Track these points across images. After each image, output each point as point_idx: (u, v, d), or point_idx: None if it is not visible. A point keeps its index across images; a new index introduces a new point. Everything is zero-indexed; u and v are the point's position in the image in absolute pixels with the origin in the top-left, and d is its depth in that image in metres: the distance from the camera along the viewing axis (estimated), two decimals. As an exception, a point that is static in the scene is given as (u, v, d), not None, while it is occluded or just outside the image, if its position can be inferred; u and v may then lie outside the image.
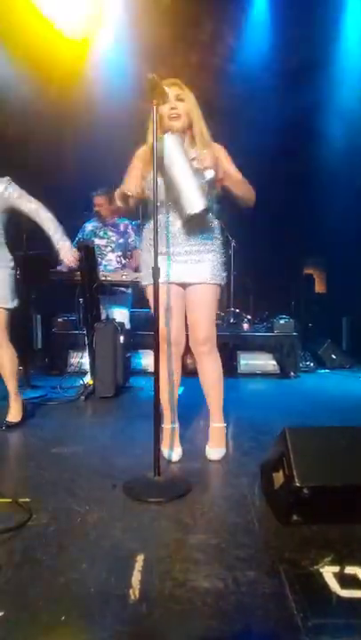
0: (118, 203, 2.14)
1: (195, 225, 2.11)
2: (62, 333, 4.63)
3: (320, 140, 6.00)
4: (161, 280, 1.94)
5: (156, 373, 1.95)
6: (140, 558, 1.39)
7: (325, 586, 1.27)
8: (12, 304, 2.70)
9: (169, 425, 2.31)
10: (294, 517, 1.55)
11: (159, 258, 1.92)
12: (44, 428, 2.78)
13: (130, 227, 4.21)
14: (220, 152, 2.19)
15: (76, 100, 5.60)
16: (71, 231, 4.42)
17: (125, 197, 2.06)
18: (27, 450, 2.36)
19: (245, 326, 5.23)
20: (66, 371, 4.41)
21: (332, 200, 5.96)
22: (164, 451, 2.22)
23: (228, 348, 4.78)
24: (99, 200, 4.11)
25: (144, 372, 4.52)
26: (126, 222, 4.22)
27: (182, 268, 2.18)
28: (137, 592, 1.23)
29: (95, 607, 1.17)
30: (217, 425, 2.33)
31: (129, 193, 2.02)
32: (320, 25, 5.83)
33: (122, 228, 4.21)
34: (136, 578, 1.30)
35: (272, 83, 5.94)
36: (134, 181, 2.04)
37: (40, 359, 4.87)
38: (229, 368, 4.75)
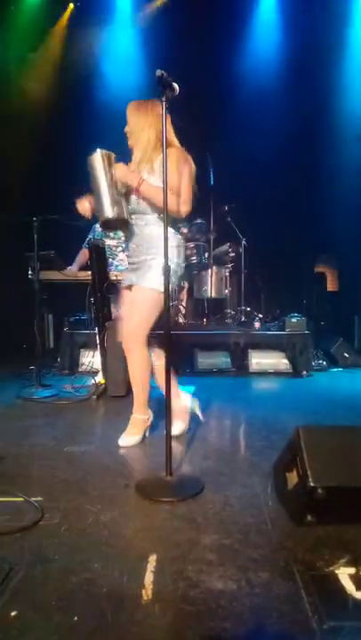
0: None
1: (116, 228, 2.54)
2: (74, 333, 4.64)
3: (332, 138, 5.95)
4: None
5: (167, 373, 1.94)
6: (152, 558, 1.39)
7: (341, 587, 1.25)
8: None
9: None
10: (308, 518, 1.53)
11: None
12: (55, 427, 2.79)
13: None
14: (171, 157, 2.16)
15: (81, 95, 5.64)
16: (82, 232, 4.45)
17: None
18: (39, 449, 2.37)
19: (257, 325, 5.19)
20: (77, 370, 4.42)
21: (344, 198, 5.90)
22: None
23: (240, 347, 4.76)
24: None
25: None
26: None
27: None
28: (150, 592, 1.23)
29: (108, 607, 1.17)
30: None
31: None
32: (328, 24, 5.80)
33: None
34: (149, 578, 1.29)
35: (284, 81, 5.91)
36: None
37: (52, 358, 4.89)
38: (241, 367, 4.74)
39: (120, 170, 2.25)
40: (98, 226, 4.27)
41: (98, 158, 2.23)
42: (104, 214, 2.25)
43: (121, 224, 2.36)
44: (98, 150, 2.24)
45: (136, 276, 2.39)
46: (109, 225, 2.39)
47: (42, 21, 5.81)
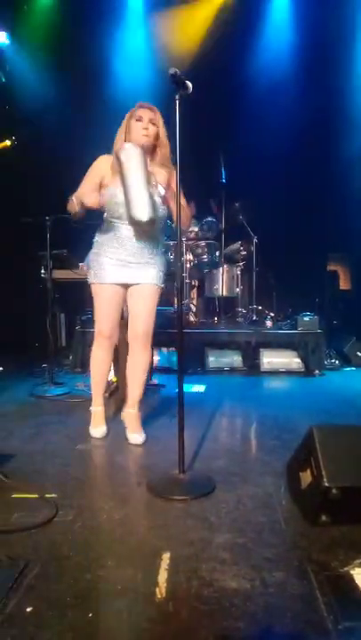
0: (69, 208, 2.25)
1: (141, 232, 2.33)
2: (86, 331, 4.66)
3: (344, 136, 5.90)
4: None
5: (180, 371, 1.94)
6: (165, 556, 1.39)
7: (356, 588, 1.24)
8: None
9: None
10: (323, 518, 1.52)
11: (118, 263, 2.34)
12: (68, 424, 2.80)
13: None
14: (171, 176, 2.34)
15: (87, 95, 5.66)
16: (94, 230, 4.46)
17: (81, 206, 2.21)
18: (52, 446, 2.39)
19: (268, 324, 5.16)
20: (89, 368, 4.44)
21: (357, 195, 5.85)
22: (95, 431, 2.56)
23: (251, 346, 4.74)
24: None
25: (169, 370, 4.51)
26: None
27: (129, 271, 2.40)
28: (163, 591, 1.23)
29: (122, 605, 1.17)
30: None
31: (87, 204, 2.21)
32: (341, 20, 5.75)
33: None
34: (162, 576, 1.29)
35: (297, 78, 5.87)
36: (93, 193, 2.27)
37: (64, 357, 4.92)
38: (252, 366, 4.72)
39: (166, 173, 2.30)
40: None
41: (139, 154, 2.11)
42: (138, 215, 2.14)
43: (146, 225, 2.23)
44: (133, 145, 2.14)
45: (142, 275, 2.39)
46: (137, 225, 2.26)
47: (55, 21, 5.83)
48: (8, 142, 4.96)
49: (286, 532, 1.54)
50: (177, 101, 1.79)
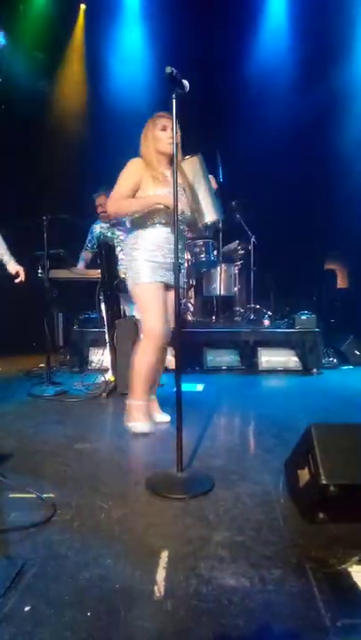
0: (127, 208, 2.50)
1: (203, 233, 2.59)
2: (83, 331, 4.66)
3: (343, 136, 5.91)
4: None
5: (177, 369, 1.94)
6: (164, 555, 1.39)
7: (354, 585, 1.24)
8: None
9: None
10: (320, 516, 1.52)
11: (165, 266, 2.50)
12: (66, 424, 2.80)
13: None
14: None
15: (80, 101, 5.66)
16: (81, 233, 4.45)
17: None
18: (50, 446, 2.38)
19: (266, 322, 5.17)
20: (87, 368, 4.44)
21: (354, 195, 5.86)
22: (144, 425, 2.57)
23: (249, 345, 4.74)
24: (100, 199, 4.09)
25: (167, 369, 4.51)
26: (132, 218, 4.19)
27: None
28: (162, 589, 1.23)
29: (120, 603, 1.17)
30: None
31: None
32: (338, 19, 5.76)
33: (128, 225, 4.19)
34: (161, 574, 1.29)
35: (294, 78, 5.89)
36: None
37: (62, 356, 4.92)
38: (250, 365, 4.72)
39: (212, 179, 2.47)
40: (96, 227, 4.27)
41: (201, 161, 2.33)
42: (213, 216, 2.35)
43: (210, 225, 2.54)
44: (198, 155, 2.35)
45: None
46: (207, 228, 2.55)
47: (51, 21, 5.82)
48: None
49: (285, 529, 1.54)
50: (173, 100, 1.79)
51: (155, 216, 2.47)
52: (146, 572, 1.30)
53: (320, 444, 1.49)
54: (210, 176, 2.46)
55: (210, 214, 2.34)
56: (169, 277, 2.53)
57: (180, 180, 2.32)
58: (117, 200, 2.49)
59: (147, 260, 2.51)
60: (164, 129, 2.46)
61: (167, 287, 2.59)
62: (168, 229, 2.47)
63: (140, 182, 2.48)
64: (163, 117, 2.47)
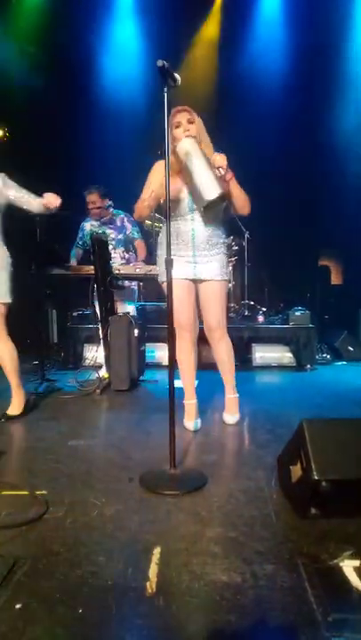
0: (144, 212, 2.44)
1: (212, 216, 2.42)
2: (77, 327, 4.64)
3: (335, 131, 5.90)
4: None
5: (170, 366, 1.94)
6: (156, 551, 1.39)
7: (345, 580, 1.25)
8: (10, 298, 2.84)
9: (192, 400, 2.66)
10: (313, 511, 1.53)
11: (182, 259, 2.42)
12: (60, 421, 2.79)
13: (125, 219, 4.16)
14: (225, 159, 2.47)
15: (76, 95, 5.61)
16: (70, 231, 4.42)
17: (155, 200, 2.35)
18: (43, 443, 2.38)
19: (260, 318, 5.18)
20: (81, 364, 4.43)
21: (348, 191, 5.86)
22: (189, 424, 2.58)
23: (243, 341, 4.75)
24: (91, 197, 4.06)
25: (158, 365, 4.51)
26: (122, 216, 4.17)
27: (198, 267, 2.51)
28: (154, 585, 1.23)
29: (112, 600, 1.17)
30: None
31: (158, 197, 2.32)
32: (332, 20, 5.75)
33: (118, 222, 4.17)
34: (153, 571, 1.29)
35: (288, 75, 5.86)
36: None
37: (56, 353, 4.90)
38: (244, 360, 4.72)
39: (221, 156, 2.37)
40: (86, 225, 4.24)
41: (193, 142, 2.28)
42: (214, 192, 2.23)
43: (216, 205, 2.35)
44: (186, 137, 2.30)
45: (208, 270, 2.50)
46: (210, 208, 2.35)
47: (43, 14, 5.76)
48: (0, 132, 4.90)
49: (277, 525, 1.54)
50: (165, 93, 1.78)
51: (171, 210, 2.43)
52: (138, 568, 1.30)
53: (312, 440, 1.49)
54: (215, 153, 2.39)
55: (209, 192, 2.23)
56: (192, 273, 2.49)
57: (175, 167, 2.31)
58: (136, 204, 2.45)
59: (161, 260, 2.50)
60: (178, 125, 2.42)
61: (194, 281, 2.54)
62: (177, 222, 2.45)
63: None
64: (178, 112, 2.42)
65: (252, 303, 5.40)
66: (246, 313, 5.29)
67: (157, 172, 2.47)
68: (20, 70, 5.55)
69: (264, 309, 5.37)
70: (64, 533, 1.48)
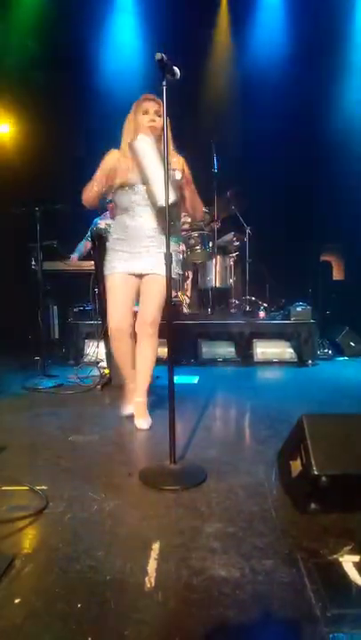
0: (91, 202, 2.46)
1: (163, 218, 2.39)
2: (78, 323, 4.64)
3: (337, 125, 5.87)
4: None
5: (170, 361, 1.93)
6: (155, 546, 1.39)
7: (345, 575, 1.24)
8: None
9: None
10: (312, 506, 1.52)
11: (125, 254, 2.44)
12: (60, 416, 2.79)
13: None
14: (184, 163, 2.46)
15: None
16: (82, 221, 4.41)
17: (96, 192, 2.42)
18: (43, 438, 2.38)
19: (261, 314, 5.17)
20: (82, 360, 4.43)
21: (350, 186, 5.84)
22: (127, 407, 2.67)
23: (245, 337, 4.74)
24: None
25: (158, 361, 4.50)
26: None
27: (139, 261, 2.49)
28: (153, 580, 1.22)
29: (111, 595, 1.17)
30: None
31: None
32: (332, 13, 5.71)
33: None
34: (152, 566, 1.29)
35: (287, 68, 5.82)
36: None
37: (56, 349, 4.90)
38: (246, 356, 4.72)
39: (179, 158, 2.36)
40: (101, 222, 4.23)
41: (152, 143, 2.24)
42: (161, 201, 2.18)
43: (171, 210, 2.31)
44: (144, 136, 2.26)
45: (155, 264, 2.45)
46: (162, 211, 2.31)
47: (43, 8, 5.73)
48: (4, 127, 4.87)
49: (277, 520, 1.54)
50: (164, 87, 1.76)
51: (118, 203, 2.48)
52: (137, 563, 1.30)
53: (312, 435, 1.49)
54: (175, 155, 2.37)
55: (161, 198, 2.19)
56: (135, 267, 2.48)
57: (130, 160, 2.29)
58: (83, 191, 2.47)
59: (108, 253, 2.54)
60: (146, 112, 2.32)
61: (137, 276, 2.52)
62: (134, 217, 2.45)
63: (111, 172, 2.39)
64: (147, 100, 2.33)
65: (253, 299, 5.39)
66: (248, 309, 5.28)
67: (109, 160, 2.43)
68: (21, 66, 5.53)
69: (265, 305, 5.36)
70: (63, 528, 1.48)
